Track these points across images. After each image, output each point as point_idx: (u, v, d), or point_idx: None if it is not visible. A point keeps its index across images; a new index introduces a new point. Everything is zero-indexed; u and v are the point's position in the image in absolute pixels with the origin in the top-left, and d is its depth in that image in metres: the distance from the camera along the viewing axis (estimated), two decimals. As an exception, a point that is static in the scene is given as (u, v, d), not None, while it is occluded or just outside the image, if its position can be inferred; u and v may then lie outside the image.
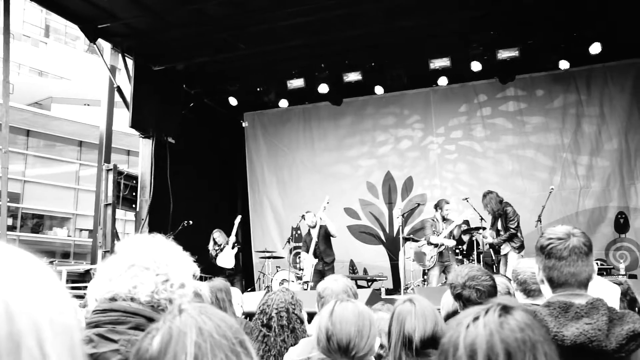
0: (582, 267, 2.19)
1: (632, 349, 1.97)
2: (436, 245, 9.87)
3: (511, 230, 9.37)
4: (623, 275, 9.38)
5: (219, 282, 4.82)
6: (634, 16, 9.79)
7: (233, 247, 10.80)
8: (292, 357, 2.83)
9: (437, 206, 10.19)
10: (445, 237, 9.80)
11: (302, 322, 3.66)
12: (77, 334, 0.75)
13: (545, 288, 2.29)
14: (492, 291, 2.90)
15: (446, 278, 9.63)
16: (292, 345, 3.20)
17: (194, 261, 2.08)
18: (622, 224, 11.21)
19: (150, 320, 1.83)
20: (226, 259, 10.72)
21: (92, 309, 1.95)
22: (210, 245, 10.88)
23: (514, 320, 1.15)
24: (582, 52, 10.56)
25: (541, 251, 2.27)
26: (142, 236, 2.05)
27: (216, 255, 10.76)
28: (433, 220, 10.20)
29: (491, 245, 9.83)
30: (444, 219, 10.05)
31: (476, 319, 1.17)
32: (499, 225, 9.56)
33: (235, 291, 5.12)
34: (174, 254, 1.99)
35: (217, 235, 10.86)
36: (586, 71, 11.62)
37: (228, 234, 10.92)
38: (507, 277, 3.85)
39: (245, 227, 13.81)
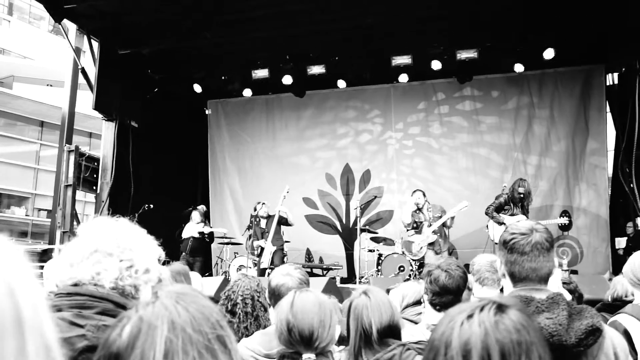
0: (543, 262, 2.16)
1: (590, 343, 1.96)
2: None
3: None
4: (565, 270, 9.57)
5: (178, 265, 4.69)
6: (585, 26, 10.02)
7: (202, 231, 10.73)
8: (248, 353, 2.73)
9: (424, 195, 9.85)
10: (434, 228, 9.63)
11: (265, 309, 3.58)
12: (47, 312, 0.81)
13: (507, 282, 2.26)
14: (461, 282, 2.87)
15: None
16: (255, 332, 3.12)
17: (158, 245, 1.97)
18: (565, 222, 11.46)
19: (119, 305, 1.72)
20: (191, 230, 10.63)
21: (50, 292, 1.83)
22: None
23: (509, 320, 1.09)
24: (536, 57, 10.79)
25: (504, 246, 2.23)
26: (105, 219, 1.91)
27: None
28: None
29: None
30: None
31: (470, 316, 1.10)
32: (517, 212, 9.30)
33: (194, 275, 4.99)
34: (138, 239, 1.87)
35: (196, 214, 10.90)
36: (539, 75, 11.83)
37: (184, 218, 10.79)
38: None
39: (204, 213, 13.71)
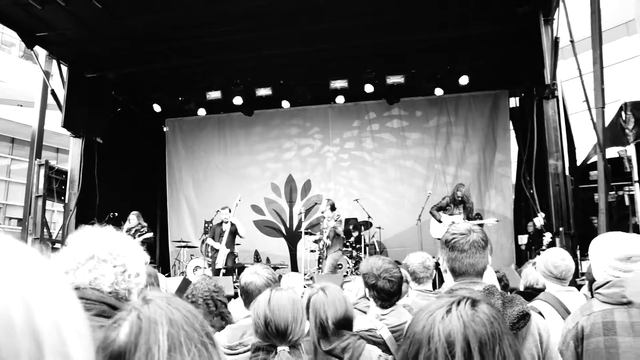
0: (479, 258, 2.22)
1: (521, 326, 2.04)
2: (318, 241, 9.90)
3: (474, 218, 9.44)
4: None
5: (148, 268, 4.56)
6: (492, 58, 10.43)
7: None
8: (224, 343, 2.69)
9: (333, 207, 10.01)
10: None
11: (225, 305, 3.53)
12: (87, 332, 0.60)
13: (448, 277, 2.31)
14: (400, 282, 2.91)
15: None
16: (221, 328, 3.06)
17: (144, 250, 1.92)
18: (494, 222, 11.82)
19: (114, 308, 1.66)
20: None
21: None
22: (125, 226, 9.78)
23: (483, 313, 1.10)
24: (453, 83, 11.10)
25: (445, 245, 2.28)
26: (93, 229, 1.85)
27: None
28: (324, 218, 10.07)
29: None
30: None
31: (449, 311, 1.10)
32: (456, 212, 9.39)
33: (160, 276, 4.86)
34: (127, 245, 1.82)
35: (133, 217, 9.78)
36: (455, 98, 12.18)
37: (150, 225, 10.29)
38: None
39: (163, 220, 13.39)
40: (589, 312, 2.52)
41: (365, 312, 3.28)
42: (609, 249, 2.54)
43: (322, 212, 9.88)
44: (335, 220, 9.58)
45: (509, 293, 3.52)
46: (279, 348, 2.10)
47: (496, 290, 2.13)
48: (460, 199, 9.30)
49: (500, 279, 3.74)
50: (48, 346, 0.53)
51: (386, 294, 2.83)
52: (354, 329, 2.81)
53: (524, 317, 2.03)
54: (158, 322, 1.04)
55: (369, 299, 3.13)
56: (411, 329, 1.16)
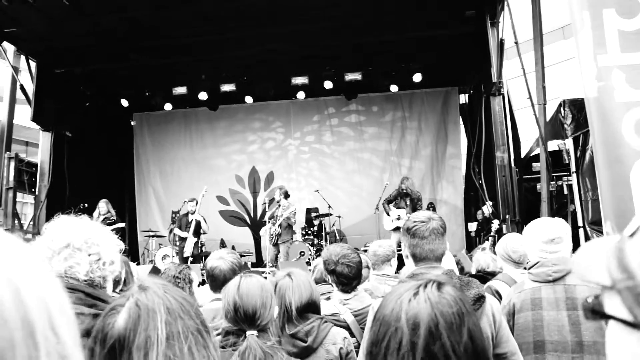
0: (438, 244, 2.27)
1: (476, 308, 2.08)
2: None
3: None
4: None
5: (122, 257, 4.46)
6: (443, 57, 10.56)
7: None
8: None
9: (287, 195, 9.95)
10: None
11: (189, 289, 3.52)
12: (70, 309, 0.60)
13: (409, 262, 2.35)
14: (360, 266, 2.92)
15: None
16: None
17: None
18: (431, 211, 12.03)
19: (89, 295, 1.62)
20: None
21: None
22: (95, 214, 9.65)
23: (448, 295, 1.11)
24: (407, 80, 11.21)
25: (407, 232, 2.32)
26: (68, 218, 1.80)
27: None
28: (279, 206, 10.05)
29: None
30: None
31: (416, 293, 1.11)
32: (403, 204, 9.36)
33: (131, 264, 4.76)
34: (102, 234, 1.78)
35: (103, 205, 9.68)
36: (409, 94, 12.31)
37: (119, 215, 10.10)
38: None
39: (131, 210, 13.11)
40: (520, 290, 2.67)
41: (328, 298, 3.30)
42: (536, 234, 2.69)
43: (278, 201, 9.87)
44: (290, 213, 9.53)
45: (465, 276, 3.59)
46: (248, 332, 2.08)
47: (454, 275, 2.18)
48: (404, 191, 9.41)
49: (457, 263, 3.81)
50: (37, 321, 0.53)
51: (345, 278, 2.83)
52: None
53: (479, 299, 2.09)
54: (156, 310, 1.03)
55: (331, 285, 3.15)
56: (380, 311, 1.16)
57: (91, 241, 1.73)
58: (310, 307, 2.67)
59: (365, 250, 4.65)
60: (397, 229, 9.14)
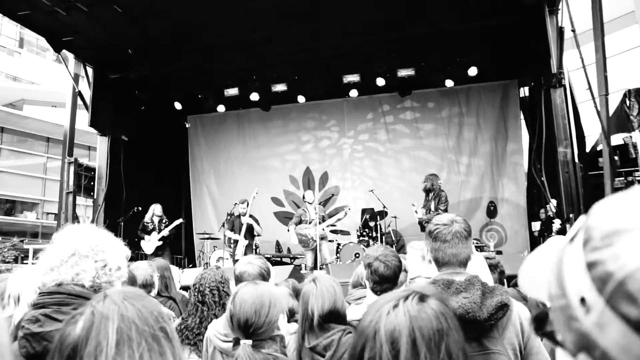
0: (462, 248, 2.17)
1: (499, 317, 1.98)
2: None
3: (440, 211, 8.57)
4: (492, 251, 9.72)
5: (162, 261, 4.60)
6: (501, 49, 10.19)
7: (160, 239, 9.98)
8: (220, 331, 2.68)
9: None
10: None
11: (229, 296, 3.53)
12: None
13: (432, 267, 2.27)
14: (397, 271, 2.82)
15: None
16: (221, 318, 3.06)
17: (125, 244, 1.93)
18: (492, 211, 11.65)
19: None
20: (150, 245, 9.94)
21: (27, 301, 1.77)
22: (148, 217, 10.00)
23: (430, 309, 1.07)
24: (462, 74, 10.90)
25: (429, 235, 2.24)
26: (76, 226, 1.88)
27: (152, 229, 9.97)
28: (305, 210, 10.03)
29: (420, 221, 8.89)
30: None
31: (396, 306, 1.08)
32: (432, 206, 8.91)
33: (174, 268, 4.91)
34: (108, 241, 1.83)
35: (158, 207, 10.04)
36: (466, 89, 11.96)
37: (172, 217, 10.38)
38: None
39: (187, 213, 13.51)
40: None
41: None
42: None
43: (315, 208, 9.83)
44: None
45: (505, 281, 3.43)
46: (242, 342, 2.08)
47: (477, 281, 2.07)
48: (427, 189, 9.01)
49: (495, 266, 3.64)
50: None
51: (379, 276, 2.74)
52: (347, 319, 2.76)
53: (503, 307, 1.97)
54: (109, 317, 1.05)
55: (365, 289, 3.08)
56: (360, 323, 1.13)
57: (97, 248, 1.78)
58: (334, 316, 2.59)
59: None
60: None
